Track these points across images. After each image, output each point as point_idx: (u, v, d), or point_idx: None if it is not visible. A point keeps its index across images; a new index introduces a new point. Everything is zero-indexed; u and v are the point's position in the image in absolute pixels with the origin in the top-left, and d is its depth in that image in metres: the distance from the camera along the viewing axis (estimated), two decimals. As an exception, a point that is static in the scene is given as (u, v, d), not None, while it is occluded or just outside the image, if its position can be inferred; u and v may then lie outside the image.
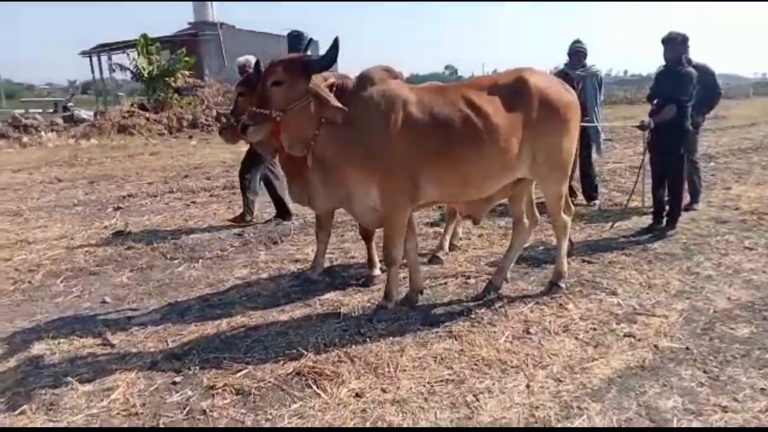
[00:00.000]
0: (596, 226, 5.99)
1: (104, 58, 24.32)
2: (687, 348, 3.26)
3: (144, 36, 18.83)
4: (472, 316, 3.71)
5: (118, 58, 22.61)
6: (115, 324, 3.78)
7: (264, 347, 3.35)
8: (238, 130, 3.58)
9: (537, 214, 4.17)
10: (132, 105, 18.88)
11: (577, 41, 6.98)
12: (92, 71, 26.31)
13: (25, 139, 15.27)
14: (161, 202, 7.93)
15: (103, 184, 9.47)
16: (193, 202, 7.79)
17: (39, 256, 5.30)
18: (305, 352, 3.18)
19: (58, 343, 3.48)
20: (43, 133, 15.68)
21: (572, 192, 7.13)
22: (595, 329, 3.54)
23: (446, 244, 5.00)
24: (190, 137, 17.11)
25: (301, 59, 3.38)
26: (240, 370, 3.06)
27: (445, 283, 4.35)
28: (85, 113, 18.89)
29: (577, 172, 7.23)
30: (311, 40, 4.04)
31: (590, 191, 7.12)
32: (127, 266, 5.02)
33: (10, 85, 49.09)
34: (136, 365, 3.18)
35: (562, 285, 4.06)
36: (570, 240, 4.23)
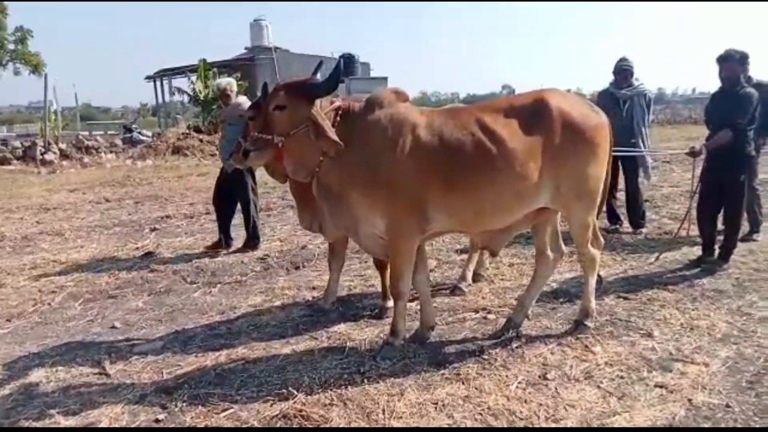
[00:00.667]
0: (640, 257, 5.53)
1: (167, 82, 25.41)
2: (727, 405, 2.85)
3: (203, 61, 19.54)
4: (485, 356, 3.41)
5: (180, 82, 23.57)
6: (117, 351, 3.71)
7: (258, 384, 3.18)
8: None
9: (563, 246, 3.84)
10: (188, 127, 19.53)
11: (623, 59, 6.58)
12: (155, 95, 27.58)
13: (86, 159, 16.01)
14: (197, 223, 8.00)
15: (147, 205, 9.70)
16: (227, 224, 7.80)
17: (65, 278, 5.38)
18: (296, 393, 2.98)
19: (56, 371, 3.44)
20: (102, 154, 16.41)
21: (617, 218, 6.71)
22: (621, 377, 3.17)
23: (469, 275, 4.71)
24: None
25: (303, 83, 3.25)
26: (226, 410, 2.89)
27: (463, 319, 4.06)
28: (144, 135, 19.68)
29: (623, 198, 6.82)
30: (322, 62, 3.90)
31: (637, 218, 6.63)
32: (145, 290, 5.00)
33: (88, 109, 51.77)
34: (125, 398, 3.07)
35: (589, 324, 3.70)
36: (599, 275, 3.87)
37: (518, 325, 3.75)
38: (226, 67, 23.50)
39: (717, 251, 5.13)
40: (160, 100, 26.67)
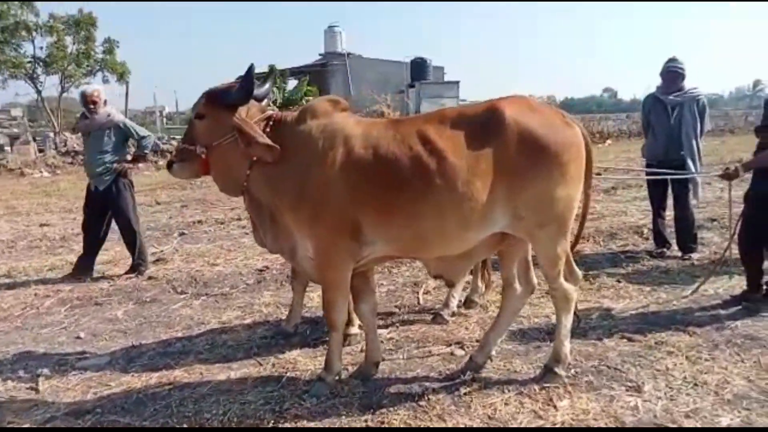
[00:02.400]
0: (674, 288, 4.77)
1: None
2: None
3: (271, 67, 20.01)
4: (424, 402, 2.97)
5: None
6: (62, 365, 3.64)
7: (167, 415, 2.95)
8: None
9: (534, 277, 3.30)
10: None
11: (672, 60, 5.77)
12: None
13: (161, 162, 16.82)
14: (224, 229, 8.02)
15: (191, 208, 9.93)
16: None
17: (67, 282, 5.49)
18: (189, 432, 2.72)
19: (-7, 382, 3.41)
20: (175, 157, 17.20)
21: (665, 241, 5.91)
22: (577, 443, 2.63)
23: (453, 302, 4.24)
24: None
25: (220, 90, 3.01)
26: (116, 443, 2.69)
27: (429, 353, 3.63)
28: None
29: (671, 214, 6.00)
30: (273, 70, 3.64)
31: (687, 242, 5.78)
32: (132, 298, 4.97)
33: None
34: (34, 419, 2.97)
35: (560, 372, 3.13)
36: (576, 314, 3.30)
37: (479, 366, 3.27)
38: (300, 73, 24.04)
39: (765, 288, 4.31)
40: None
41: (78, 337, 4.13)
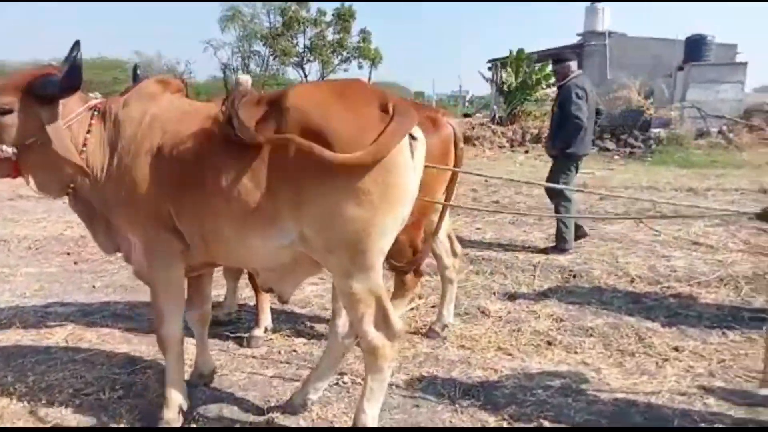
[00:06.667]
0: None
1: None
2: None
3: (512, 50, 19.28)
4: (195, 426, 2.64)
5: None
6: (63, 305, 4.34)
7: (29, 369, 3.26)
8: None
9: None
10: (493, 118, 19.55)
11: None
12: (495, 83, 28.46)
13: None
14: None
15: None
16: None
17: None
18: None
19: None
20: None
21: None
22: None
23: (446, 315, 3.79)
24: (527, 152, 16.58)
25: (36, 80, 2.51)
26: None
27: (340, 376, 3.09)
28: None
29: None
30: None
31: None
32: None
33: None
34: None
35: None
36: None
37: (294, 408, 2.73)
38: (555, 56, 22.43)
39: None
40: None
41: (122, 285, 4.80)
